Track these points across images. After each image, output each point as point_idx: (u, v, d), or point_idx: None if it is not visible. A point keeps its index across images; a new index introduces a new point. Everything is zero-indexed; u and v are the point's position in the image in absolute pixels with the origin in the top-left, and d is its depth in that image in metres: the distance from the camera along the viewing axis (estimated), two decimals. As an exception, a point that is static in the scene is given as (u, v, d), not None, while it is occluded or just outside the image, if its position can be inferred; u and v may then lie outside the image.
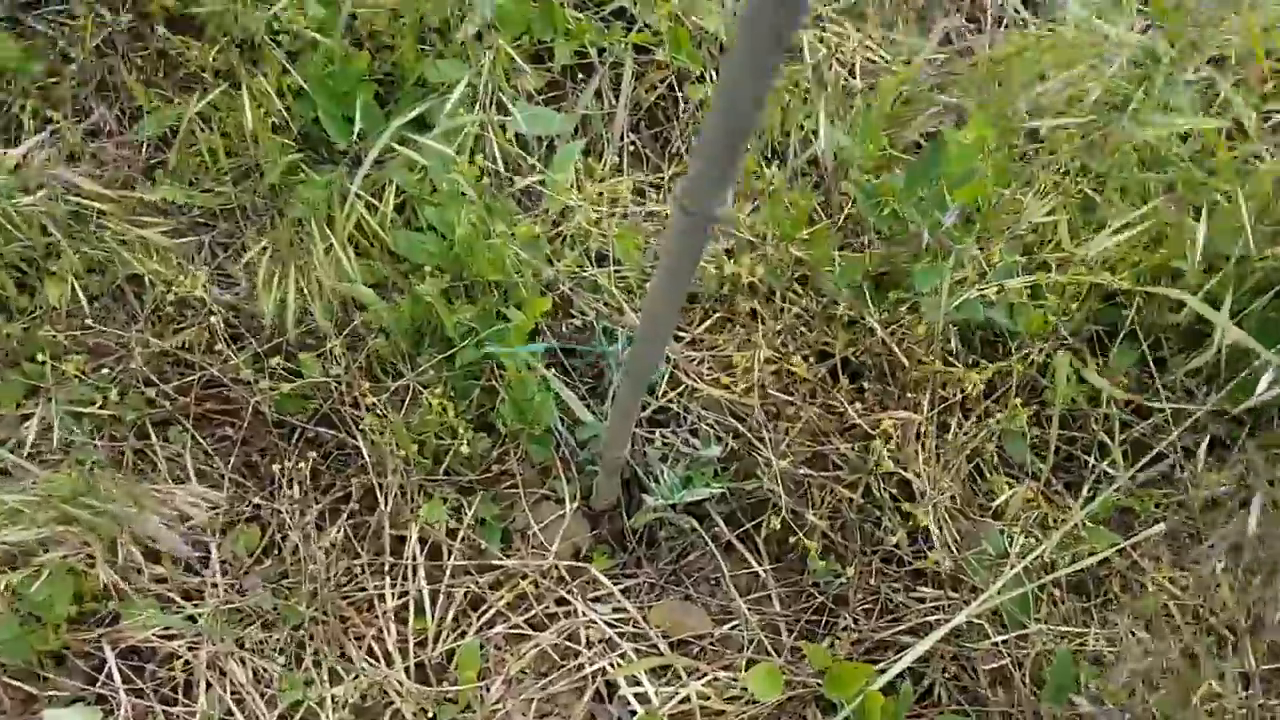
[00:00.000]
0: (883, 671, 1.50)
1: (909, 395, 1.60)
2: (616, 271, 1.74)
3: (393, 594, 1.59)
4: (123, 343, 1.72)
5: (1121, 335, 1.80)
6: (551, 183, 1.81)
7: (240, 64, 1.81)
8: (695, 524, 1.67)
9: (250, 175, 1.92)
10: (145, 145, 1.88)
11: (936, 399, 1.57)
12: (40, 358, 1.63)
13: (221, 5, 1.76)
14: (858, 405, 1.58)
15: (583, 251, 1.78)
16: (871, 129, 1.66)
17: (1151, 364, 1.82)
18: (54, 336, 1.68)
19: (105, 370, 1.69)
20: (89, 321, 1.70)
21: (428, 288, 1.55)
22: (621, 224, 1.69)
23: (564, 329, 1.75)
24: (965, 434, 1.61)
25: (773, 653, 1.58)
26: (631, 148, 1.99)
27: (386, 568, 1.61)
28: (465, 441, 1.56)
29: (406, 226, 1.76)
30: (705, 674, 1.54)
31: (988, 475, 1.70)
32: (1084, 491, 1.73)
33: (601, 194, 1.76)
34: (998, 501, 1.64)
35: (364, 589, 1.60)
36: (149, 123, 1.84)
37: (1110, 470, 1.76)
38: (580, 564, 1.64)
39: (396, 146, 1.72)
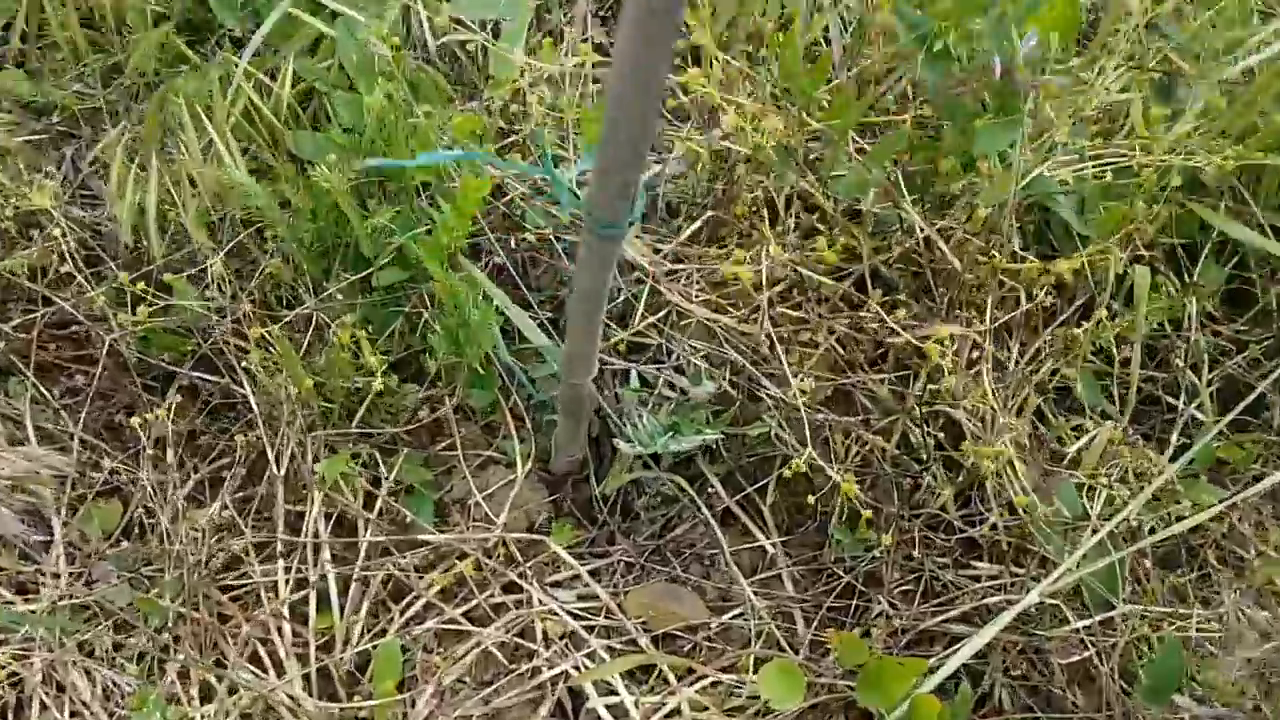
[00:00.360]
0: (933, 670, 1.14)
1: (957, 313, 1.24)
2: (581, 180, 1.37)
3: (288, 583, 1.21)
4: (-61, 266, 1.34)
5: (1206, 249, 1.45)
6: (496, 63, 1.44)
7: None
8: (685, 485, 1.30)
9: (121, 73, 1.54)
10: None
11: (992, 317, 1.21)
12: None
13: None
14: (890, 326, 1.21)
15: (537, 148, 1.41)
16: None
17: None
18: None
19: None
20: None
21: (332, 176, 1.17)
22: (584, 110, 1.32)
23: (515, 244, 1.38)
24: (1029, 362, 1.25)
25: (787, 648, 1.21)
26: (597, 40, 1.63)
27: (280, 550, 1.22)
28: (380, 380, 1.19)
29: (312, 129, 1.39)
30: (700, 676, 1.17)
31: (1051, 419, 1.35)
32: (1173, 439, 1.38)
33: (560, 75, 1.39)
34: (1072, 449, 1.28)
35: (249, 577, 1.21)
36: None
37: (1199, 415, 1.41)
38: (536, 537, 1.26)
39: (298, 13, 1.36)
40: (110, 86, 1.55)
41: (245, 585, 1.21)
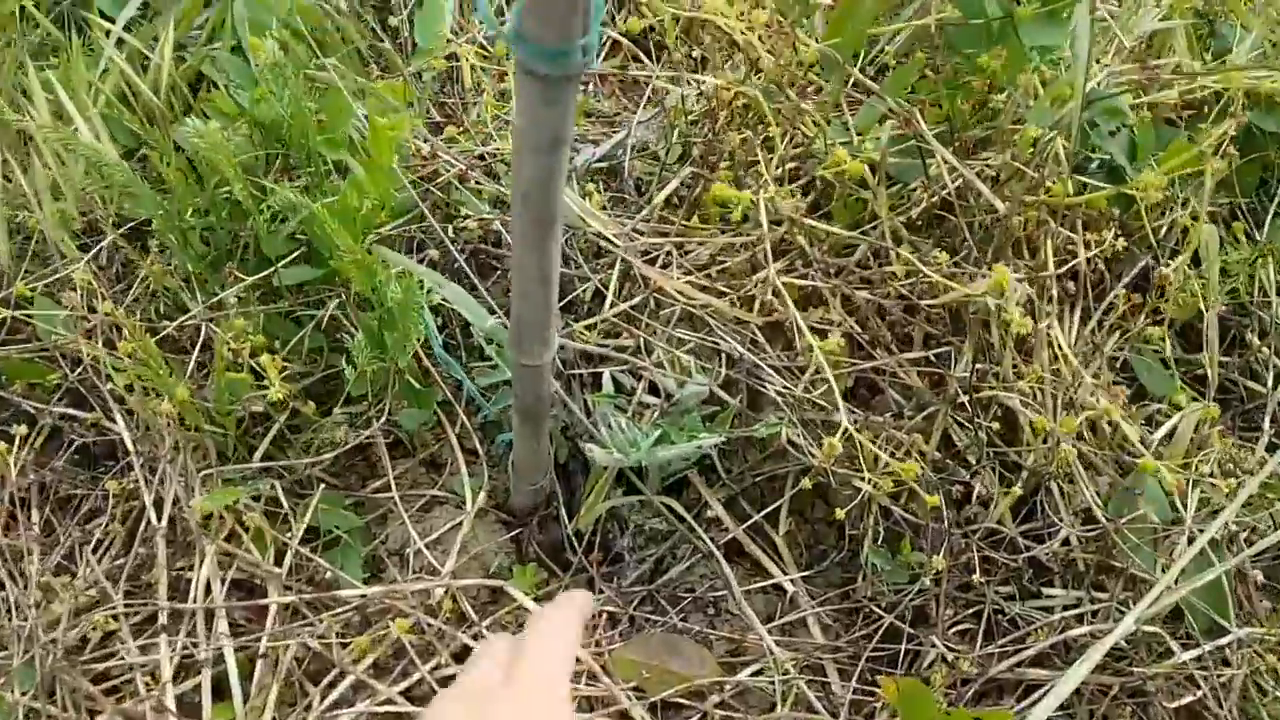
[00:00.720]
0: (1012, 726, 0.88)
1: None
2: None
3: (172, 662, 0.93)
4: None
5: (1274, 208, 1.24)
6: (422, 30, 1.21)
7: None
8: (682, 512, 1.04)
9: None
10: None
11: (1053, 266, 0.97)
12: None
13: None
14: (929, 282, 0.97)
15: (474, 123, 1.17)
16: None
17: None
18: None
19: None
20: None
21: (213, 134, 0.92)
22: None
23: (452, 235, 1.13)
24: (1099, 329, 1.01)
25: (822, 711, 0.94)
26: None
27: (162, 620, 0.95)
28: (276, 390, 0.92)
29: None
30: (716, 757, 0.90)
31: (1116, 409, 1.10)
32: (1266, 426, 1.14)
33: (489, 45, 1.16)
34: (1156, 436, 1.04)
35: (121, 658, 0.93)
36: None
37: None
38: (493, 583, 1.00)
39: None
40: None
41: (116, 667, 0.93)
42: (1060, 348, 0.95)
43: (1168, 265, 1.10)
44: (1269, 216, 1.23)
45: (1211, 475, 1.04)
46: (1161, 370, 1.14)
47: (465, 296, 0.93)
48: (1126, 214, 1.07)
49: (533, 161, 0.55)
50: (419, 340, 0.95)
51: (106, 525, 1.01)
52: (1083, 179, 1.08)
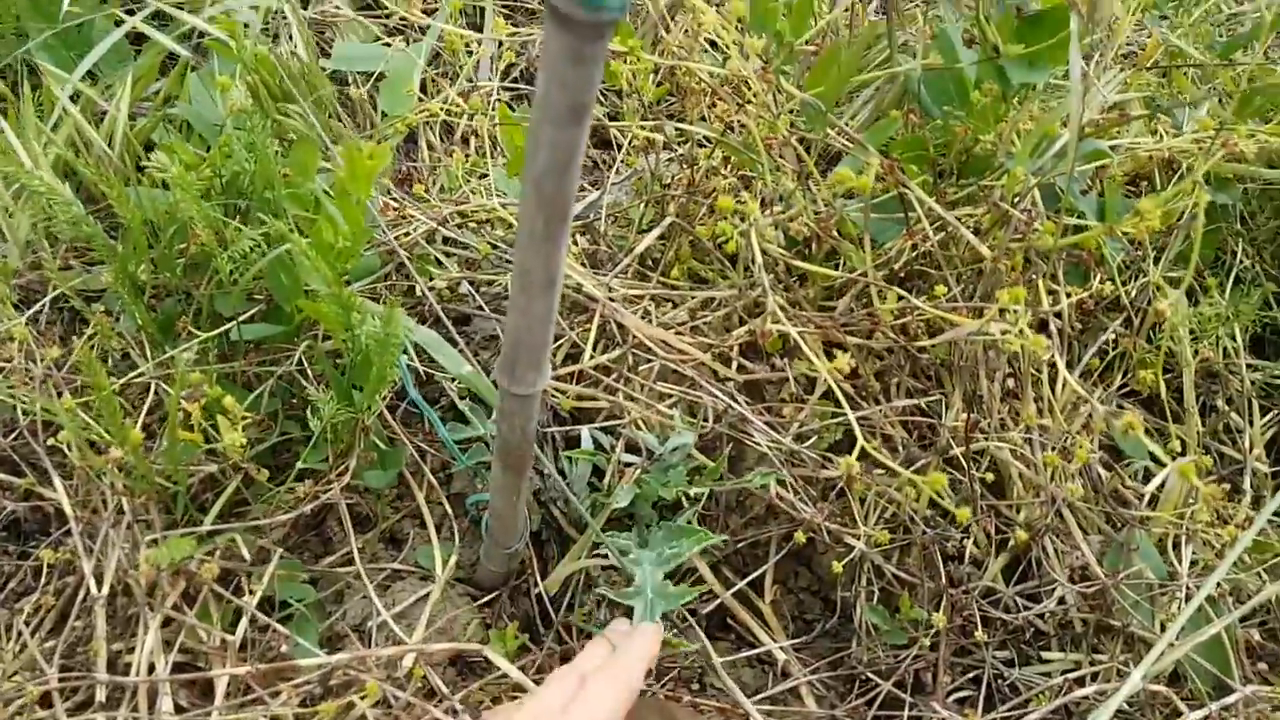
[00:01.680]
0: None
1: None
2: (504, 203, 1.10)
3: (109, 747, 0.83)
4: None
5: (1233, 276, 1.26)
6: (388, 98, 1.19)
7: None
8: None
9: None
10: None
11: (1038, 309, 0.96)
12: None
13: None
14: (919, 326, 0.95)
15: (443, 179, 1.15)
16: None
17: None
18: None
19: None
20: None
21: (181, 178, 0.88)
22: (505, 117, 1.07)
23: (420, 294, 1.08)
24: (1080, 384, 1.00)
25: (823, 786, 0.88)
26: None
27: (99, 699, 0.85)
28: (238, 434, 0.86)
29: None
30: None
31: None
32: (1246, 485, 1.13)
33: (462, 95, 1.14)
34: (1147, 489, 1.02)
35: (51, 742, 0.83)
36: None
37: (1257, 465, 1.17)
38: (467, 646, 0.92)
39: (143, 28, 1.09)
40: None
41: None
42: (1053, 394, 0.93)
43: (1141, 324, 1.10)
44: (1229, 285, 1.26)
45: (1209, 525, 1.02)
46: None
47: (441, 341, 0.89)
48: (1087, 289, 1.07)
49: (551, 137, 0.52)
50: (393, 386, 0.90)
51: (38, 599, 0.92)
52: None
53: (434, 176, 1.17)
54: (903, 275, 0.99)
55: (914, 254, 1.00)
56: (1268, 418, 1.21)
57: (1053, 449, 0.94)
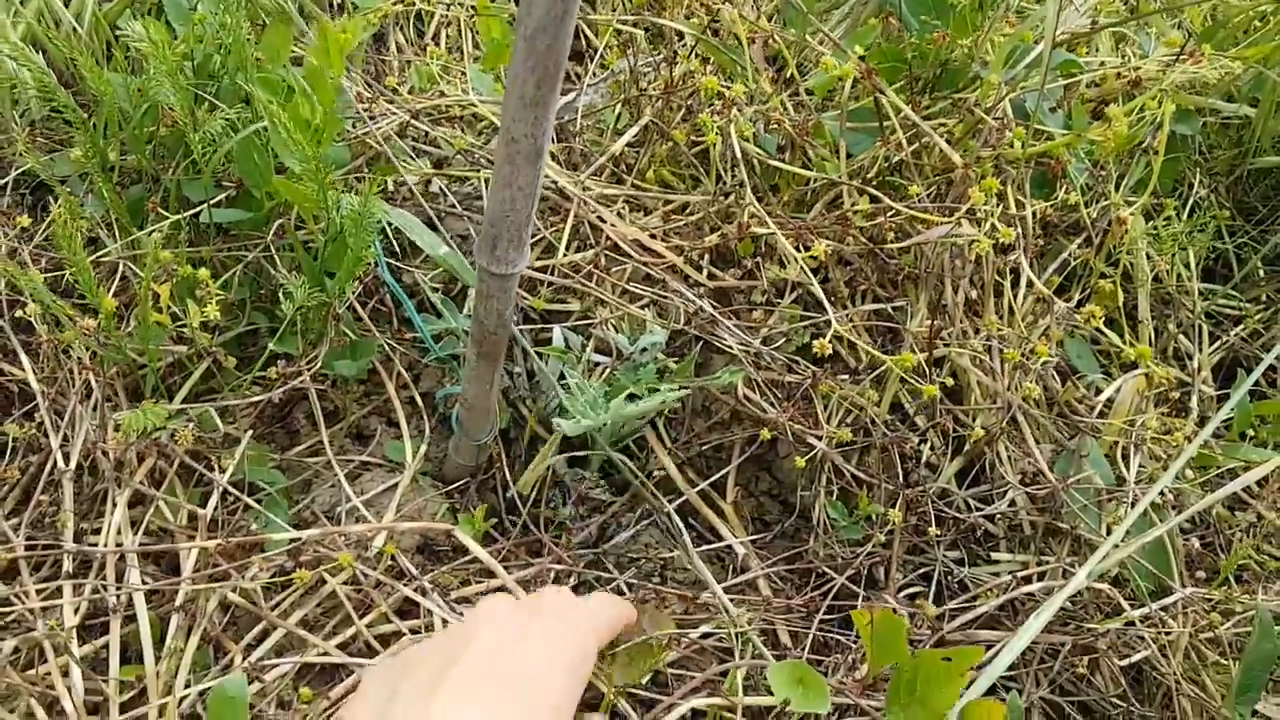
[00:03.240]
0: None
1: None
2: (480, 100, 1.09)
3: (77, 611, 0.84)
4: None
5: (1189, 205, 1.29)
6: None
7: None
8: (635, 470, 1.01)
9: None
10: None
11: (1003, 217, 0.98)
12: None
13: None
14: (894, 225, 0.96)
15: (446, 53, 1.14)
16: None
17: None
18: None
19: None
20: None
21: (158, 50, 0.86)
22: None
23: (436, 189, 1.08)
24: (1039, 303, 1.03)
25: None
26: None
27: (67, 567, 0.86)
28: (212, 308, 0.85)
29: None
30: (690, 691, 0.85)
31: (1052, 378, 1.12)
32: (1193, 404, 1.17)
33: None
34: (1100, 400, 1.05)
35: (19, 602, 0.84)
36: None
37: (1204, 388, 1.22)
38: (439, 525, 0.93)
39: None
40: None
41: (16, 622, 0.84)
42: (1013, 306, 0.96)
43: (1101, 241, 1.13)
44: (1186, 214, 1.29)
45: (1154, 439, 1.06)
46: (1092, 351, 1.17)
47: (418, 223, 0.89)
48: (1051, 200, 1.10)
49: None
50: (367, 271, 0.90)
51: (1, 474, 0.92)
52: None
53: (405, 74, 1.16)
54: (875, 184, 1.00)
55: (886, 164, 1.01)
56: (1216, 345, 1.26)
57: (1010, 358, 0.97)
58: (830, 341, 0.89)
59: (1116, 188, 1.17)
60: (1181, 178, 1.35)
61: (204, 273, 0.84)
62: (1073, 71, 1.12)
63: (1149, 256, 1.18)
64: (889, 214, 0.89)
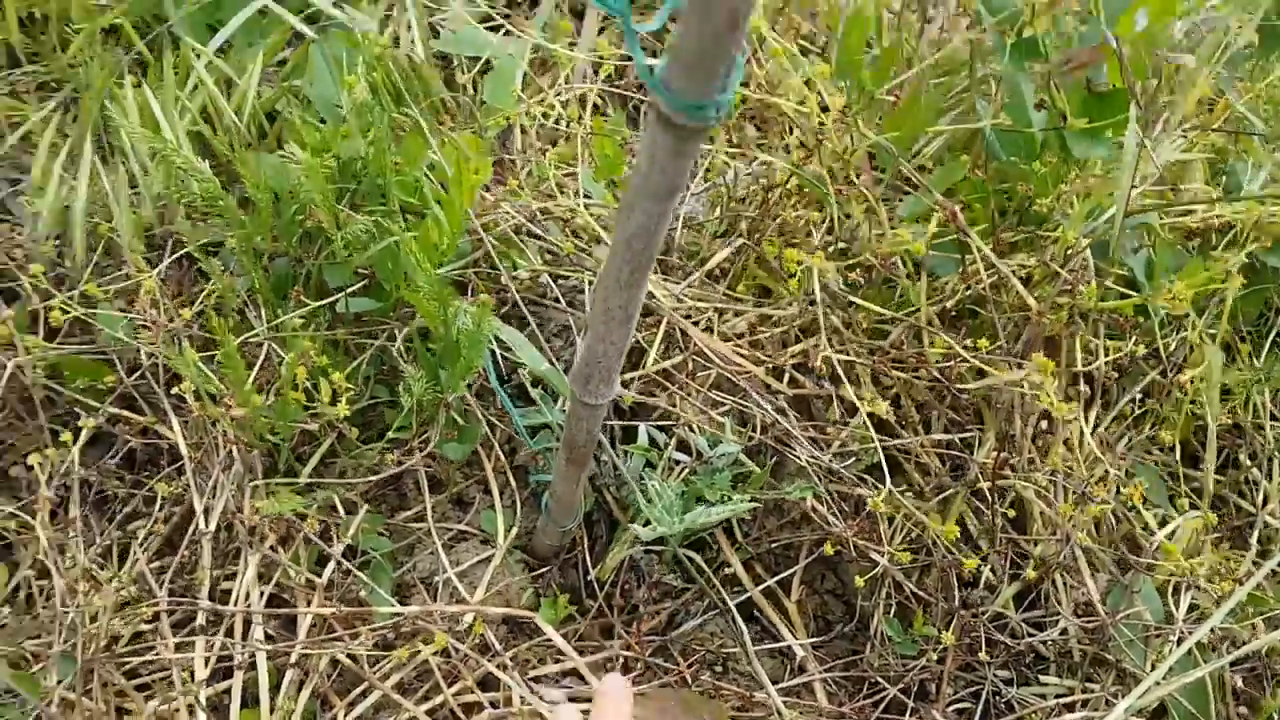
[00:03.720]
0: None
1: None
2: (588, 203, 1.19)
3: (207, 663, 0.96)
4: None
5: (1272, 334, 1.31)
6: (493, 89, 1.28)
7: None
8: (702, 565, 1.09)
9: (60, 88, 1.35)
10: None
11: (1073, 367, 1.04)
12: None
13: None
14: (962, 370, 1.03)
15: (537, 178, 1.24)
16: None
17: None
18: None
19: None
20: None
21: (309, 161, 0.98)
22: (597, 125, 1.15)
23: (503, 282, 1.18)
24: (1110, 431, 1.07)
25: (825, 772, 0.98)
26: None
27: (200, 622, 0.98)
28: (342, 406, 0.97)
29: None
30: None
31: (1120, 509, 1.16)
32: (1252, 540, 1.20)
33: (561, 103, 1.23)
34: (1156, 537, 1.10)
35: (158, 654, 0.96)
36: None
37: (1270, 520, 1.24)
38: (520, 613, 1.03)
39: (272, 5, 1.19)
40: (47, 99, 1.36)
41: (152, 664, 0.96)
42: (1080, 442, 1.01)
43: (1175, 378, 1.17)
44: (1266, 346, 1.31)
45: (1206, 579, 1.10)
46: (1161, 481, 1.21)
47: (522, 339, 0.99)
48: (1139, 329, 1.14)
49: (646, 208, 0.61)
50: (477, 373, 1.00)
51: (150, 527, 1.05)
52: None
53: (526, 170, 1.26)
54: (954, 313, 1.07)
55: (967, 293, 1.08)
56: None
57: (1072, 494, 1.02)
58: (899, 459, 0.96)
59: (1200, 314, 1.21)
60: (1269, 304, 1.36)
61: (338, 376, 0.95)
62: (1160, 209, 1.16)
63: (1227, 393, 1.21)
64: (959, 360, 0.95)
